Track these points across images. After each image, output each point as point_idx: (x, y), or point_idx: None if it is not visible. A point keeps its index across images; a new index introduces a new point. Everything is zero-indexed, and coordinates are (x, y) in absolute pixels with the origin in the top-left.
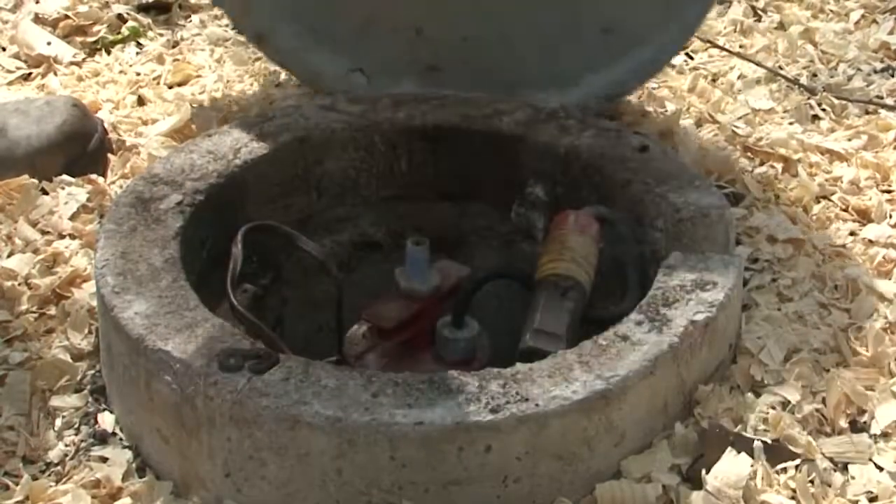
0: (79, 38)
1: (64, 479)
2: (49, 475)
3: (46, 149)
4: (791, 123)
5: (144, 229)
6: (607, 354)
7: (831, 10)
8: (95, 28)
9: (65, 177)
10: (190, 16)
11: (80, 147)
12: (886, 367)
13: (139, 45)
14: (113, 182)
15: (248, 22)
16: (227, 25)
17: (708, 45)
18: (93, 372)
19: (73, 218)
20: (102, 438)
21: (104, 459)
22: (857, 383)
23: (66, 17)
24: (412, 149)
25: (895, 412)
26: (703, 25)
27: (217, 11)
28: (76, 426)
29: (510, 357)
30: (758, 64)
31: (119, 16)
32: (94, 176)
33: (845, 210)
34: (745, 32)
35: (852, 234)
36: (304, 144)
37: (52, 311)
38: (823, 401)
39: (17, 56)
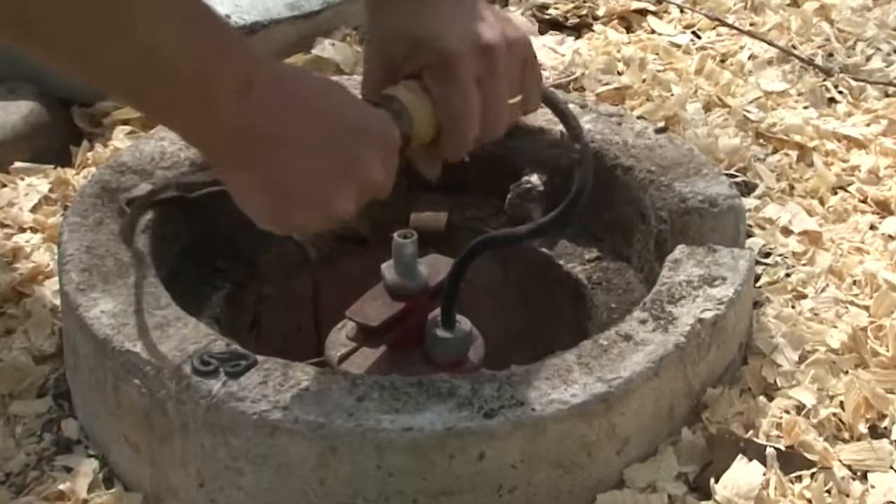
0: None
1: (25, 491)
2: (9, 486)
3: (11, 141)
4: (806, 107)
5: (111, 222)
6: (608, 355)
7: None
8: None
9: (24, 164)
10: None
11: (47, 138)
12: None
13: None
14: (77, 172)
15: None
16: None
17: (716, 23)
18: (56, 375)
19: (34, 210)
20: (66, 447)
21: (68, 469)
22: (877, 386)
23: None
24: None
25: None
26: (710, 1)
27: None
28: (38, 434)
29: (506, 358)
30: (770, 43)
31: None
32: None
33: (864, 201)
34: (756, 9)
35: (872, 227)
36: None
37: (13, 310)
38: (841, 405)
39: None
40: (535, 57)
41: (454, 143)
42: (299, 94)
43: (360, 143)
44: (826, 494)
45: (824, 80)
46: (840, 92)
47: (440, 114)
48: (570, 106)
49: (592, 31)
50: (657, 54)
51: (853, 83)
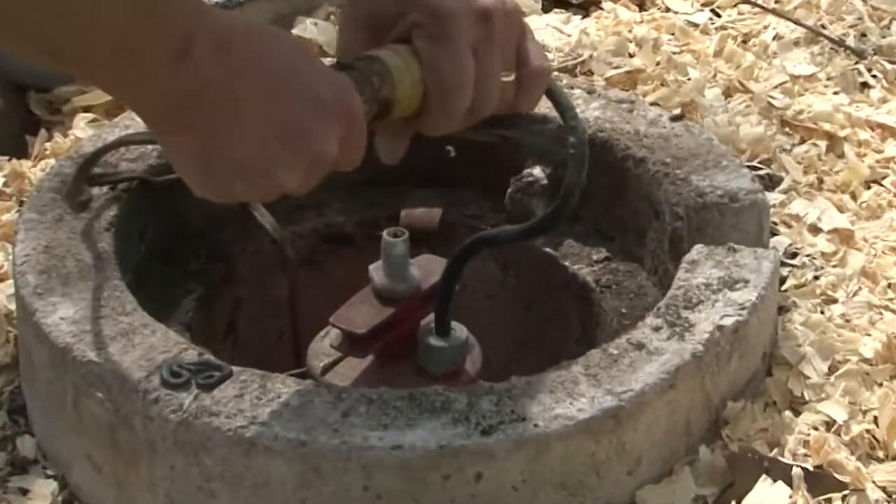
0: None
1: None
2: None
3: None
4: (836, 93)
5: (72, 219)
6: (619, 366)
7: None
8: None
9: None
10: None
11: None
12: None
13: None
14: (34, 164)
15: None
16: None
17: None
18: (10, 388)
19: None
20: (22, 466)
21: (24, 491)
22: None
23: None
24: None
25: None
26: None
27: None
28: None
29: (506, 369)
30: (796, 22)
31: None
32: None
33: None
34: None
35: None
36: None
37: None
38: (875, 420)
39: None
40: (532, 33)
41: (440, 116)
42: (245, 54)
43: (311, 111)
44: None
45: (856, 62)
46: (874, 76)
47: (429, 80)
48: (576, 92)
49: (601, 8)
50: (672, 34)
51: (888, 66)
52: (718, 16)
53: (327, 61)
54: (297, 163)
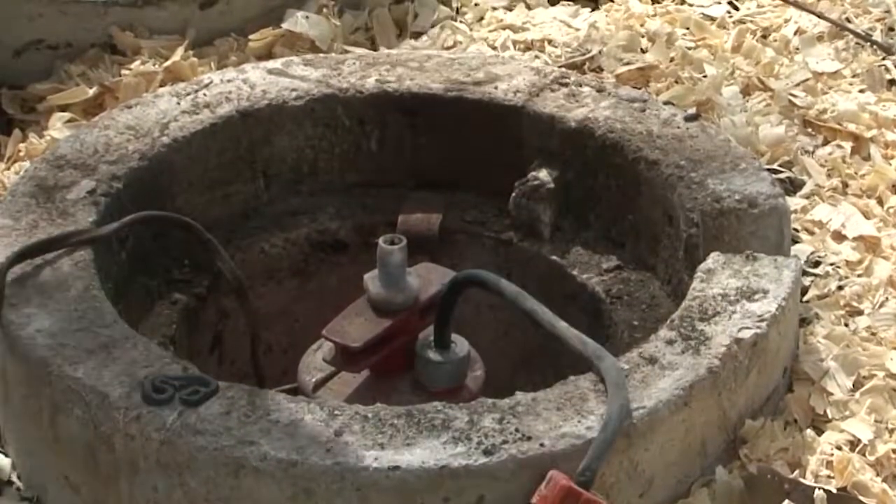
0: None
1: None
2: None
3: None
4: (862, 91)
5: (48, 225)
6: (630, 381)
7: None
8: None
9: None
10: None
11: None
12: None
13: None
14: (7, 167)
15: None
16: None
17: None
18: None
19: None
20: None
21: None
22: None
23: None
24: (385, 123)
25: None
26: None
27: None
28: None
29: (510, 385)
30: (819, 16)
31: None
32: None
33: None
34: None
35: None
36: (249, 118)
37: None
38: None
39: None
40: None
41: None
42: None
43: None
44: None
45: (883, 58)
46: None
47: None
48: (585, 90)
49: (611, 0)
50: (687, 28)
51: None
52: (737, 8)
53: (320, 56)
54: None
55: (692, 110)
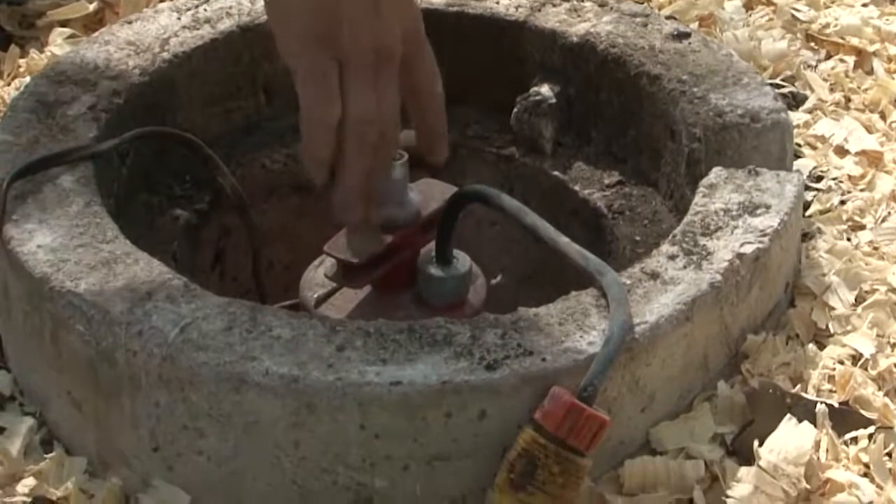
0: None
1: None
2: None
3: None
4: (865, 5)
5: (49, 141)
6: (632, 296)
7: None
8: None
9: None
10: None
11: None
12: None
13: None
14: (7, 83)
15: None
16: None
17: None
18: None
19: None
20: None
21: (0, 429)
22: None
23: None
24: None
25: None
26: None
27: None
28: None
29: (512, 300)
30: None
31: None
32: None
33: None
34: None
35: None
36: (249, 34)
37: None
38: None
39: None
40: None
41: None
42: None
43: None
44: (886, 458)
45: None
46: None
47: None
48: (587, 5)
49: None
50: None
51: None
52: None
53: None
54: None
55: (694, 26)
